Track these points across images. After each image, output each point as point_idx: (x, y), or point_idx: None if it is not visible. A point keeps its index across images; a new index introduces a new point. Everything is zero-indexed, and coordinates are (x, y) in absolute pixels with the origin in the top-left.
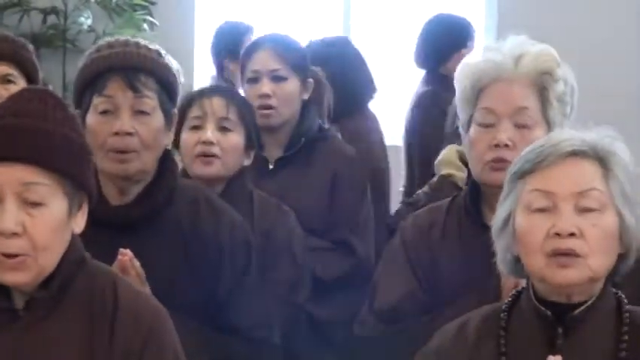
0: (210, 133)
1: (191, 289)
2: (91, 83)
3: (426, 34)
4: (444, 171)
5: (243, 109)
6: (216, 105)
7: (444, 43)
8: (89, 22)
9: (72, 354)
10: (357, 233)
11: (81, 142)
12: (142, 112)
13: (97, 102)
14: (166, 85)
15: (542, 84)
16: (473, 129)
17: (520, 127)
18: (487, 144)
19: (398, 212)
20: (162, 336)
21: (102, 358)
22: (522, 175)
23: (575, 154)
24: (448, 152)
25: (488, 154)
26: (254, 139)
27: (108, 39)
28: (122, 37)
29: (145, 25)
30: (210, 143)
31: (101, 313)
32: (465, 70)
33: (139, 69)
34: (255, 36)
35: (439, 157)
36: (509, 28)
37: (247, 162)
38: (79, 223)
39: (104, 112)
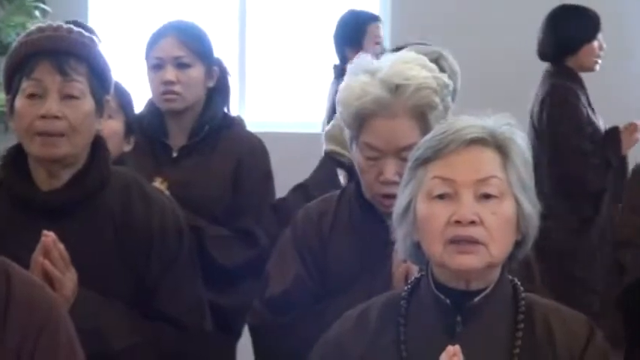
0: None
1: (122, 275)
2: (19, 67)
3: (552, 24)
4: (328, 147)
5: (122, 97)
6: None
7: (572, 35)
8: None
9: None
10: (260, 222)
11: None
12: (71, 97)
13: (26, 85)
14: (98, 71)
15: (423, 116)
16: (359, 156)
17: (406, 160)
18: (374, 176)
19: (286, 197)
20: (58, 325)
21: None
22: (424, 162)
23: (475, 141)
24: (332, 127)
25: (376, 187)
26: (133, 126)
27: (40, 24)
28: (56, 23)
29: (37, 12)
30: None
31: None
32: (346, 96)
33: (69, 53)
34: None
35: (325, 129)
36: (403, 20)
37: (127, 148)
38: None
39: (32, 96)
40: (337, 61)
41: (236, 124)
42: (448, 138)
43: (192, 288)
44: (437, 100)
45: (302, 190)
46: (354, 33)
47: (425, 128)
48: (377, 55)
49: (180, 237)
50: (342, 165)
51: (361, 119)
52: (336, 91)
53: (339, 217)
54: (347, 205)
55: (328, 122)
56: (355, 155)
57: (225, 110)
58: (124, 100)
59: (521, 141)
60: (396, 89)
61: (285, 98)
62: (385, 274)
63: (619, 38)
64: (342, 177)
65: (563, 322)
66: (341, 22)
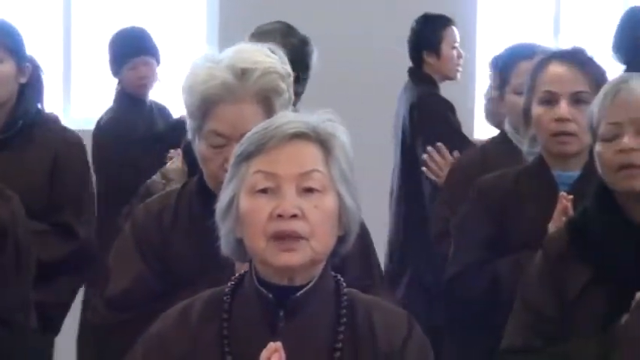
0: None
1: None
2: None
3: (628, 25)
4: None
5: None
6: None
7: None
8: None
9: None
10: (79, 216)
11: None
12: None
13: None
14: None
15: (268, 101)
16: (203, 145)
17: None
18: (219, 165)
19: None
20: None
21: None
22: (246, 157)
23: (297, 136)
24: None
25: (221, 175)
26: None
27: None
28: None
29: None
30: None
31: None
32: (190, 82)
33: None
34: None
35: None
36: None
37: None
38: None
39: None
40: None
41: (51, 120)
42: (270, 133)
43: (18, 284)
44: (283, 85)
45: None
46: (431, 37)
47: (270, 114)
48: (457, 58)
49: (5, 230)
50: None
51: (207, 106)
52: (408, 96)
53: (179, 211)
54: (188, 200)
55: (410, 117)
56: (198, 146)
57: (40, 106)
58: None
59: (343, 136)
60: (242, 74)
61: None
62: (227, 270)
63: None
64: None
65: (384, 317)
66: (416, 26)
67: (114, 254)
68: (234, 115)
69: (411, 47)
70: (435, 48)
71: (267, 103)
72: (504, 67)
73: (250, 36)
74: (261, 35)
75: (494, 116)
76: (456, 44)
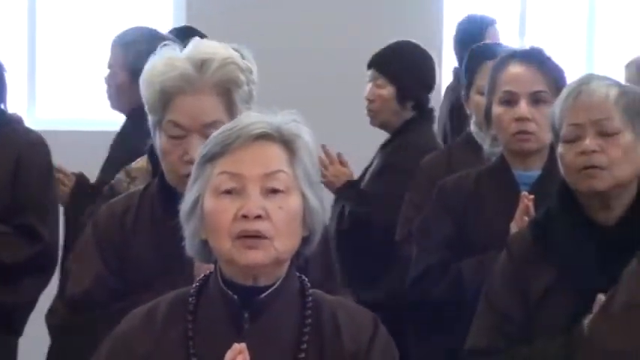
0: None
1: None
2: None
3: None
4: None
5: None
6: None
7: None
8: None
9: None
10: (43, 218)
11: None
12: None
13: None
14: None
15: (228, 92)
16: (163, 138)
17: None
18: (179, 157)
19: None
20: None
21: None
22: (211, 158)
23: (262, 137)
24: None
25: (181, 167)
26: None
27: None
28: None
29: None
30: None
31: None
32: (149, 75)
33: None
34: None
35: None
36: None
37: None
38: None
39: None
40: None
41: (14, 120)
42: (235, 134)
43: None
44: (242, 77)
45: None
46: (475, 37)
47: (230, 106)
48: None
49: None
50: None
51: (166, 97)
52: (454, 97)
53: (141, 212)
54: (150, 200)
55: (450, 121)
56: (158, 140)
57: (3, 107)
58: None
59: (307, 136)
60: (201, 65)
61: (80, 96)
62: (187, 271)
63: None
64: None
65: (349, 317)
66: (460, 26)
67: (74, 254)
68: (194, 106)
69: (456, 47)
70: None
71: (226, 94)
72: (469, 67)
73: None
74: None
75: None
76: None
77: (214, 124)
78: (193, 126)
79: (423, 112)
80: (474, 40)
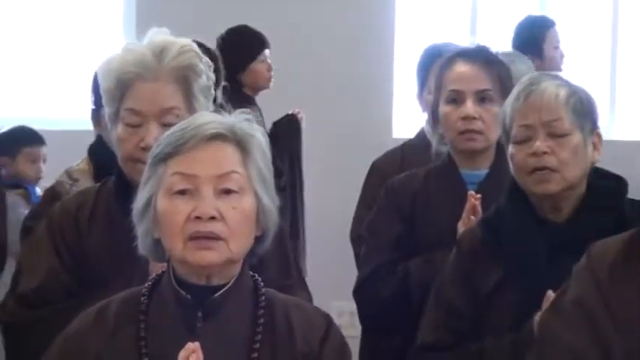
0: None
1: None
2: None
3: None
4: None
5: None
6: None
7: None
8: None
9: None
10: None
11: None
12: None
13: None
14: None
15: (186, 80)
16: (120, 127)
17: (168, 125)
18: (135, 144)
19: None
20: None
21: None
22: (164, 158)
23: (215, 137)
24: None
25: (137, 154)
26: None
27: None
28: None
29: None
30: None
31: None
32: (106, 66)
33: None
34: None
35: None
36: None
37: None
38: None
39: None
40: None
41: None
42: (189, 134)
43: None
44: (200, 65)
45: None
46: (534, 38)
47: (188, 95)
48: (559, 58)
49: None
50: None
51: (124, 86)
52: None
53: (97, 209)
54: (106, 197)
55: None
56: (115, 131)
57: None
58: None
59: (260, 136)
60: (160, 52)
61: (41, 94)
62: (142, 270)
63: None
64: None
65: (302, 316)
66: (519, 28)
67: (25, 251)
68: (152, 92)
69: (515, 49)
70: (538, 49)
71: (185, 82)
72: (421, 67)
73: None
74: None
75: None
76: (559, 44)
77: (172, 110)
78: (151, 111)
79: None
80: (534, 42)
